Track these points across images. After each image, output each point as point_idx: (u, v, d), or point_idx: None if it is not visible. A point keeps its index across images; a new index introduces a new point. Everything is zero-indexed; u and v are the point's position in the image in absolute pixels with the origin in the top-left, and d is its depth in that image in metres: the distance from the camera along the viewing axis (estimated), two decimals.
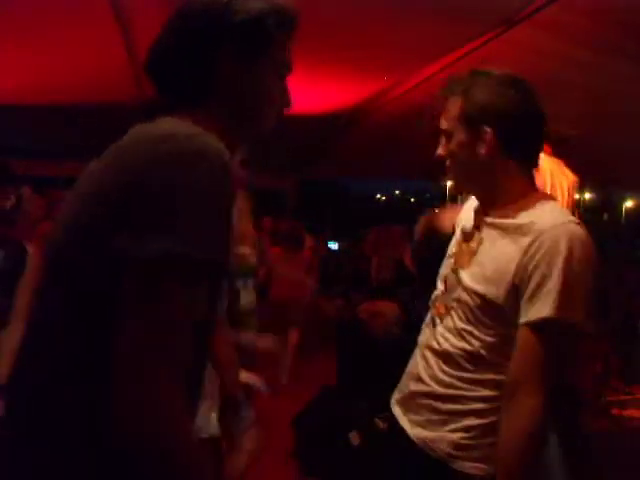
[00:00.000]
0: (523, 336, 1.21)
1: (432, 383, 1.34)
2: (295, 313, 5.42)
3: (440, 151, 1.38)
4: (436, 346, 1.35)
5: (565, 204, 2.59)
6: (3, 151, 6.26)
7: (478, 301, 1.27)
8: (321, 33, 2.79)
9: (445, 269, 1.42)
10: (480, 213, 1.39)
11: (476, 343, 1.27)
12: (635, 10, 2.52)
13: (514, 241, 1.25)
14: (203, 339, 0.88)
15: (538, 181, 2.18)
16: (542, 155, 2.80)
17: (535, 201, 1.30)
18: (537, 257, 1.20)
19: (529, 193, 1.33)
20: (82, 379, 0.80)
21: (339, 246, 10.33)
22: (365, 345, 3.27)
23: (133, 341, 0.73)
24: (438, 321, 1.37)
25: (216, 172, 0.78)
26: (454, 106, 1.33)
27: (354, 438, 2.62)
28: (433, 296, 1.44)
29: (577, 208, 2.73)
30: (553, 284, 1.17)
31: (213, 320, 0.92)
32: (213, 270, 0.79)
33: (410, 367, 1.45)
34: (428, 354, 1.38)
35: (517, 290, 1.23)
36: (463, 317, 1.30)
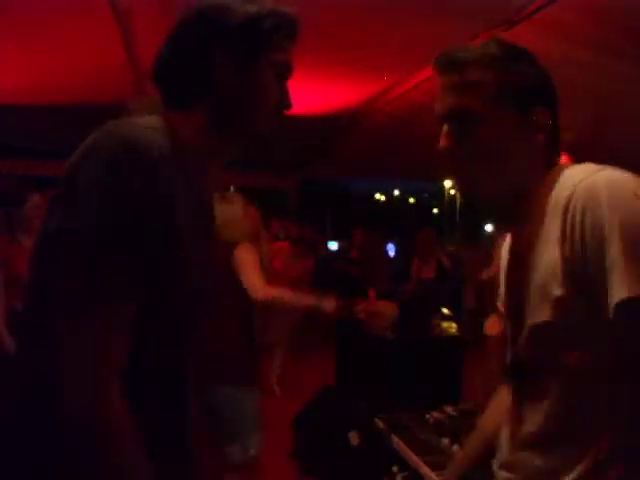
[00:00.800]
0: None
1: None
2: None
3: (444, 141, 0.99)
4: None
5: None
6: (3, 151, 6.25)
7: None
8: (321, 33, 2.79)
9: None
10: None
11: None
12: (635, 10, 2.52)
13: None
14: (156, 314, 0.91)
15: None
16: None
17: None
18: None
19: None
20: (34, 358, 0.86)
21: (339, 246, 10.34)
22: (365, 345, 3.27)
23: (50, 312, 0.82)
24: None
25: (114, 164, 0.84)
26: (485, 76, 0.96)
27: (354, 438, 2.62)
28: None
29: None
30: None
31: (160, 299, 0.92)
32: (99, 239, 0.83)
33: None
34: None
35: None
36: None
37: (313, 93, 4.11)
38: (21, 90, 4.22)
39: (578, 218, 0.85)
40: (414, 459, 2.20)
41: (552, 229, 0.90)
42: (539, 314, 0.92)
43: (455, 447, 3.22)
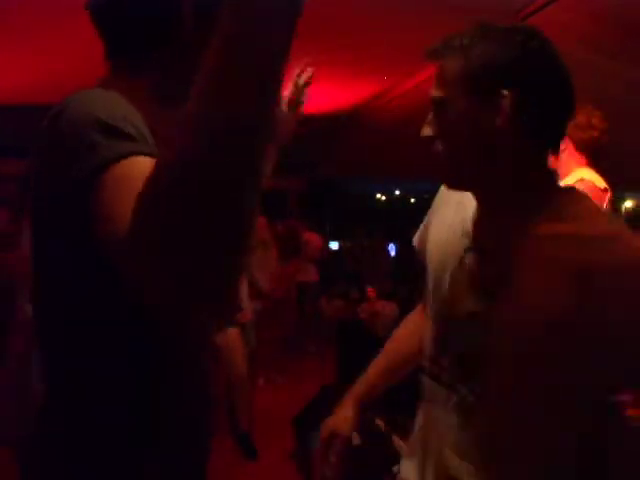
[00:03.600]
0: None
1: None
2: None
3: (426, 130, 1.01)
4: None
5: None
6: (4, 151, 6.27)
7: None
8: (321, 34, 2.79)
9: None
10: (483, 223, 1.04)
11: None
12: (635, 10, 2.53)
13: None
14: None
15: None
16: (583, 169, 2.75)
17: (568, 200, 0.98)
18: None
19: (551, 187, 1.00)
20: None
21: (339, 246, 10.33)
22: (365, 345, 3.26)
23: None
24: None
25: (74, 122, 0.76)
26: (452, 66, 0.97)
27: (354, 438, 2.62)
28: None
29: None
30: None
31: None
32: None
33: None
34: None
35: None
36: None
37: (313, 93, 4.11)
38: (21, 90, 4.23)
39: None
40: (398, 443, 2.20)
41: (553, 291, 0.89)
42: None
43: None
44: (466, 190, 1.05)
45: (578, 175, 2.65)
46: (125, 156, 0.70)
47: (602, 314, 0.85)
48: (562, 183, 2.69)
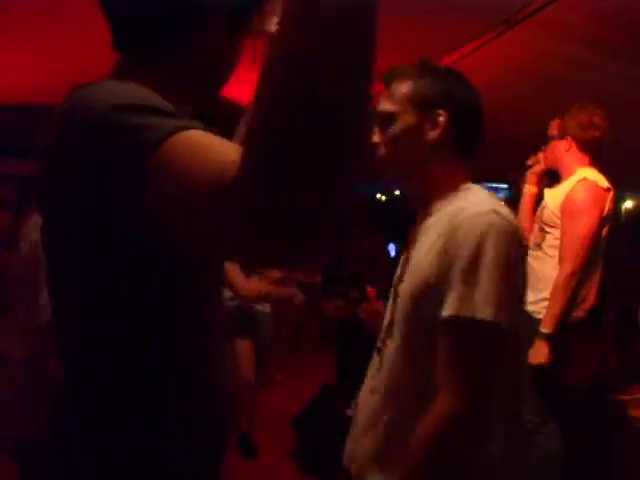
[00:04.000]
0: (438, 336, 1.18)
1: None
2: None
3: (376, 138, 1.30)
4: None
5: (602, 215, 2.60)
6: (3, 151, 6.26)
7: None
8: None
9: None
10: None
11: None
12: (635, 10, 2.52)
13: (437, 234, 1.22)
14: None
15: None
16: (585, 168, 2.77)
17: (464, 190, 1.28)
18: (450, 252, 1.16)
19: (464, 185, 1.30)
20: None
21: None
22: (365, 345, 3.26)
23: None
24: None
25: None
26: (402, 87, 1.28)
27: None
28: None
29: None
30: (456, 280, 1.13)
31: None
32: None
33: None
34: None
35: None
36: None
37: None
38: (21, 90, 4.22)
39: (453, 243, 1.16)
40: None
41: (437, 239, 1.20)
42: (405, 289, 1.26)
43: None
44: (404, 186, 1.41)
45: (581, 175, 2.65)
46: (181, 128, 0.67)
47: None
48: (566, 182, 2.69)
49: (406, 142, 1.27)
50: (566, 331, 2.56)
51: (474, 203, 1.21)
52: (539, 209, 2.82)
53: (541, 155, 2.88)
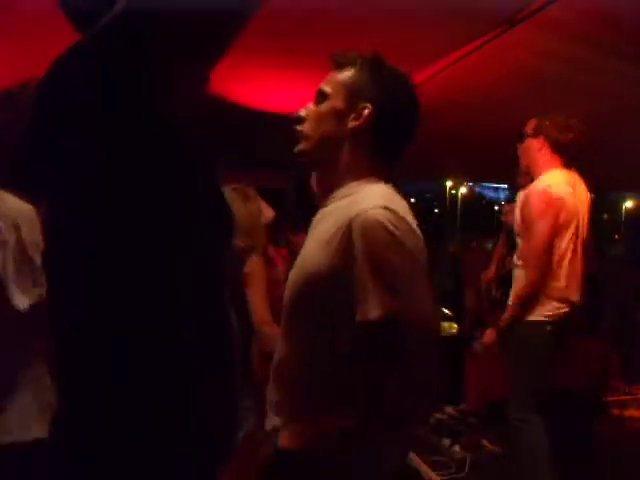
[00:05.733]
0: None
1: None
2: None
3: (302, 111, 1.37)
4: None
5: (585, 224, 2.63)
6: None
7: None
8: (322, 34, 2.79)
9: None
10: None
11: None
12: (635, 10, 2.52)
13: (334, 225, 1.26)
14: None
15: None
16: (559, 170, 2.78)
17: (365, 183, 1.32)
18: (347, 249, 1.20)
19: (369, 179, 1.34)
20: None
21: None
22: None
23: None
24: None
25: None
26: (343, 74, 1.35)
27: None
28: None
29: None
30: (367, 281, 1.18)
31: None
32: None
33: None
34: None
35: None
36: None
37: (313, 93, 4.10)
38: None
39: (348, 237, 1.20)
40: (414, 459, 2.20)
41: (332, 229, 1.24)
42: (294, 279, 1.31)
43: (456, 447, 3.23)
44: (313, 164, 1.44)
45: (545, 178, 2.65)
46: None
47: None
48: (538, 182, 2.69)
49: (327, 123, 1.34)
50: (565, 331, 2.58)
51: (369, 197, 1.26)
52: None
53: None
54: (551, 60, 3.07)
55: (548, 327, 2.55)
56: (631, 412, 2.92)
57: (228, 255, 1.08)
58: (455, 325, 4.42)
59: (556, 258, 2.59)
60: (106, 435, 0.83)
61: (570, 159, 2.72)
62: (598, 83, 3.22)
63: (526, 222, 2.63)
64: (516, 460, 2.57)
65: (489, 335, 2.69)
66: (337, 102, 1.33)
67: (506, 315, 2.64)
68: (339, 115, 1.33)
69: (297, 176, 8.18)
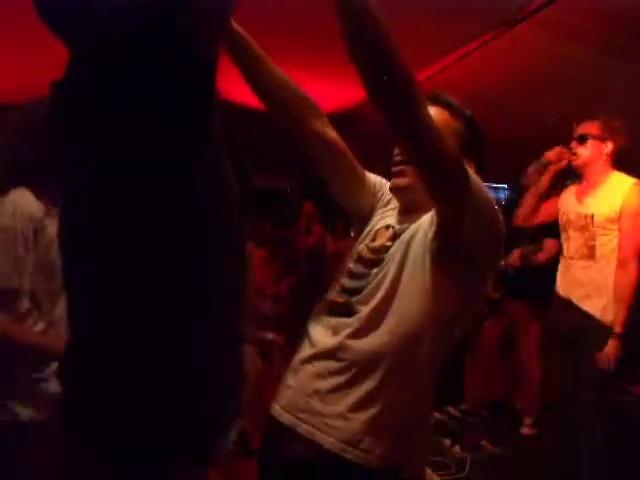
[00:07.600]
0: None
1: None
2: None
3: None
4: None
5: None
6: None
7: None
8: (322, 34, 2.79)
9: None
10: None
11: None
12: (635, 10, 2.53)
13: None
14: None
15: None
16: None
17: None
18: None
19: None
20: None
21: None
22: None
23: None
24: None
25: None
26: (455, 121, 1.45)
27: None
28: None
29: None
30: None
31: None
32: None
33: None
34: None
35: None
36: None
37: (313, 93, 4.10)
38: (21, 90, 4.23)
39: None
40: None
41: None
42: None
43: (456, 447, 3.23)
44: (405, 198, 1.48)
45: (622, 179, 2.63)
46: None
47: None
48: (606, 187, 2.64)
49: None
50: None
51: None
52: (572, 216, 2.75)
53: (564, 152, 2.77)
54: (551, 60, 3.07)
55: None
56: (631, 412, 2.92)
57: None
58: None
59: None
60: (107, 427, 0.84)
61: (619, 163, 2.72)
62: (598, 83, 3.23)
63: (629, 218, 2.58)
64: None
65: (611, 346, 2.67)
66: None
67: (620, 319, 2.62)
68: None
69: (301, 179, 8.19)
